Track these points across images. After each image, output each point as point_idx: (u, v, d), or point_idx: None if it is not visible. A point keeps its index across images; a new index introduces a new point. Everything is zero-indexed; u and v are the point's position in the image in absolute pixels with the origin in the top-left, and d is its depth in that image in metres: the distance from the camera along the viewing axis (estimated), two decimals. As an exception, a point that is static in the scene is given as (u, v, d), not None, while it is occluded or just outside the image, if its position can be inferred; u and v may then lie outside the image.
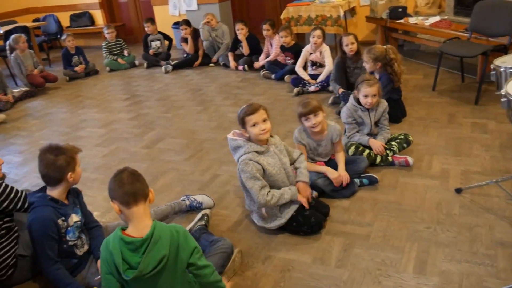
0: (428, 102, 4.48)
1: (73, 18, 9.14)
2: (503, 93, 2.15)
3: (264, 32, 5.92)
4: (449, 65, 5.41)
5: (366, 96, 3.27)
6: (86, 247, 2.45)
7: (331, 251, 2.52)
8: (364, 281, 2.27)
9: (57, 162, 2.25)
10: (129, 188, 1.86)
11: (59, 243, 2.28)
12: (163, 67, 6.84)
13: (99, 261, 2.29)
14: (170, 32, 7.78)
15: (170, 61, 7.10)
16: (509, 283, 2.04)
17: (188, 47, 6.90)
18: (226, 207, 3.07)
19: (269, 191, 2.57)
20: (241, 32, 6.20)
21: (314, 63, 5.26)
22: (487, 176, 3.01)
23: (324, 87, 5.07)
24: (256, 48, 6.36)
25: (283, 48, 5.79)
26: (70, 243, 2.34)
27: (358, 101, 3.37)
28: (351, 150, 3.32)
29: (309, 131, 3.04)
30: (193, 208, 3.00)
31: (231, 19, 7.73)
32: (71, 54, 6.95)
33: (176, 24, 7.76)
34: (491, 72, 2.57)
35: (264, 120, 2.55)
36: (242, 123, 2.58)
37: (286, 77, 5.56)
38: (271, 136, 2.70)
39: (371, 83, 3.26)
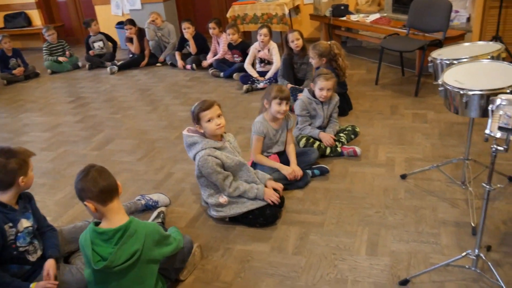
0: (372, 95, 4.69)
1: (8, 18, 8.71)
2: (440, 83, 2.31)
3: (211, 31, 5.95)
4: (390, 60, 5.67)
5: (321, 89, 3.40)
6: (39, 252, 2.35)
7: (288, 240, 2.60)
8: (321, 266, 2.37)
9: (8, 165, 2.17)
10: (104, 185, 1.88)
11: (8, 249, 2.19)
12: (108, 68, 6.70)
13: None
14: (113, 32, 7.63)
15: (115, 61, 6.96)
16: (452, 257, 2.20)
17: (134, 47, 6.80)
18: (182, 204, 3.08)
19: (234, 183, 2.69)
20: (188, 31, 6.19)
21: (262, 60, 5.36)
22: (428, 162, 3.20)
23: (272, 84, 5.17)
24: (203, 47, 6.38)
25: (230, 46, 5.85)
26: (20, 249, 2.23)
27: (313, 94, 3.48)
28: (302, 142, 3.43)
29: (271, 117, 3.11)
30: (149, 207, 3.00)
31: (176, 18, 7.68)
32: (8, 57, 6.67)
33: (120, 24, 7.62)
34: (429, 64, 2.75)
35: (219, 116, 2.60)
36: (197, 119, 2.61)
37: (234, 75, 5.62)
38: (224, 132, 2.76)
39: (328, 77, 3.39)
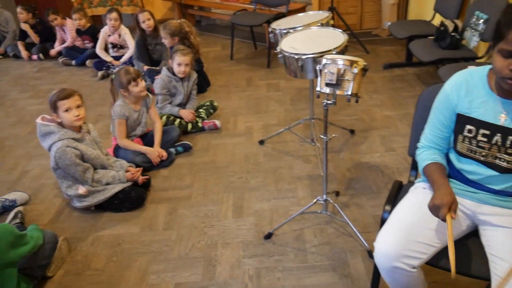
0: (228, 70, 4.86)
1: None
2: (278, 50, 2.51)
3: (52, 23, 5.56)
4: (243, 36, 5.90)
5: (180, 64, 3.44)
6: None
7: (157, 217, 2.64)
8: (192, 236, 2.47)
9: None
10: None
11: None
12: None
13: None
14: None
15: None
16: (305, 204, 2.46)
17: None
18: (43, 200, 2.93)
19: (96, 175, 2.63)
20: (21, 17, 5.69)
21: (115, 45, 5.19)
22: (283, 126, 3.45)
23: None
24: (49, 34, 5.92)
25: (79, 32, 5.54)
26: None
27: (172, 72, 3.51)
28: (163, 120, 3.45)
29: (132, 100, 3.07)
30: (7, 208, 2.79)
31: (13, 4, 7.00)
32: None
33: None
34: (270, 35, 2.96)
35: (78, 106, 2.51)
36: (54, 107, 2.48)
37: (87, 62, 5.37)
38: (84, 123, 2.68)
39: (185, 52, 3.44)
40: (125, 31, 5.11)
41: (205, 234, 2.47)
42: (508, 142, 1.44)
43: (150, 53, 4.68)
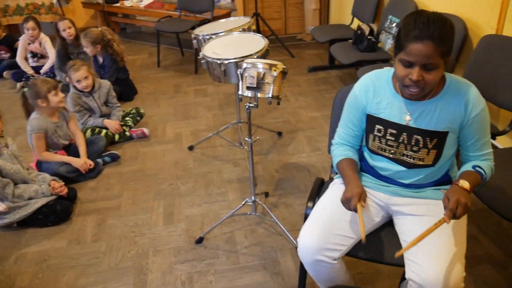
0: (156, 77, 4.81)
1: None
2: (201, 56, 2.54)
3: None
4: (169, 43, 5.86)
5: (79, 81, 3.34)
6: None
7: (85, 230, 2.57)
8: (122, 246, 2.42)
9: None
10: None
11: None
12: None
13: None
14: None
15: None
16: (236, 207, 2.50)
17: None
18: (-42, 221, 2.75)
19: (17, 190, 2.52)
20: None
21: (35, 55, 4.95)
22: (212, 131, 3.48)
23: (51, 78, 4.85)
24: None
25: (-6, 42, 5.25)
26: None
27: (77, 87, 3.41)
28: (88, 133, 3.35)
29: (49, 112, 2.96)
30: None
31: None
32: None
33: None
34: (193, 41, 2.98)
35: None
36: None
37: (5, 73, 5.07)
38: (2, 136, 2.55)
39: (77, 67, 3.32)
40: (45, 39, 4.90)
41: (135, 243, 2.44)
42: (413, 140, 1.56)
43: (72, 62, 4.52)
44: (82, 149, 3.10)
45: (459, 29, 2.85)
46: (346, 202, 1.51)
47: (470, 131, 1.51)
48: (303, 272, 1.88)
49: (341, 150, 1.72)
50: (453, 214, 1.35)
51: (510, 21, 2.55)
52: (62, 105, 2.98)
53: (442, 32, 1.31)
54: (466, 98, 1.47)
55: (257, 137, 2.43)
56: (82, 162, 3.00)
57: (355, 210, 1.48)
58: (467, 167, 1.54)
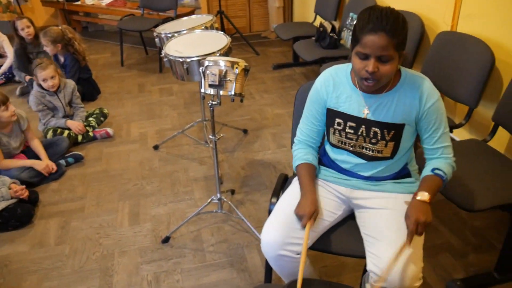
0: (119, 77, 4.74)
1: None
2: (163, 54, 2.52)
3: None
4: (133, 41, 5.79)
5: (45, 80, 3.26)
6: None
7: (48, 233, 2.52)
8: (86, 248, 2.39)
9: None
10: None
11: None
12: None
13: None
14: None
15: None
16: (202, 205, 2.50)
17: None
18: None
19: None
20: None
21: (-8, 55, 4.82)
22: (177, 130, 3.46)
23: (10, 79, 4.72)
24: None
25: None
26: None
27: (42, 86, 3.33)
28: (50, 134, 3.29)
29: (1, 124, 2.85)
30: None
31: None
32: None
33: None
34: (156, 39, 2.96)
35: None
36: None
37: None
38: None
39: (44, 66, 3.25)
40: (3, 38, 4.76)
41: (100, 245, 2.40)
42: (371, 133, 1.60)
43: (32, 62, 4.40)
44: (41, 151, 3.02)
45: (416, 26, 2.93)
46: (299, 217, 1.56)
47: (426, 123, 1.56)
48: (268, 267, 1.90)
49: (302, 153, 1.74)
50: (413, 235, 1.43)
51: (463, 18, 2.65)
52: (13, 119, 2.86)
53: (395, 25, 1.36)
54: (420, 90, 1.52)
55: (221, 135, 2.43)
56: (44, 165, 2.93)
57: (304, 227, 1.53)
58: (427, 171, 1.59)
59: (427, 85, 1.53)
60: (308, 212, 1.53)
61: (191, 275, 2.18)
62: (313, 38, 4.04)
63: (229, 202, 2.51)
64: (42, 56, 4.34)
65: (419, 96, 1.52)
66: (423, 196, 1.48)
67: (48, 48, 3.88)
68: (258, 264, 2.22)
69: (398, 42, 1.38)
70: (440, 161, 1.59)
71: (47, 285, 2.17)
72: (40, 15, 6.57)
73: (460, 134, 2.85)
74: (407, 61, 2.84)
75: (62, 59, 3.96)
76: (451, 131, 2.91)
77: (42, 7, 6.48)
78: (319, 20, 4.31)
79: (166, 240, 2.39)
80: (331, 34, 3.75)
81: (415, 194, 1.51)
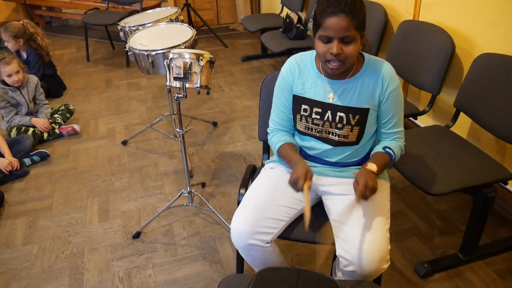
0: (85, 72, 4.65)
1: None
2: (127, 48, 2.49)
3: None
4: (98, 36, 5.68)
5: (10, 75, 3.18)
6: None
7: (14, 233, 2.46)
8: (55, 247, 2.35)
9: None
10: None
11: None
12: None
13: None
14: None
15: None
16: (172, 199, 2.49)
17: None
18: None
19: None
20: None
21: (-51, 52, 4.64)
22: (145, 125, 3.42)
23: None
24: None
25: None
26: None
27: (4, 82, 3.24)
28: (13, 133, 3.20)
29: None
30: None
31: None
32: None
33: None
34: (120, 33, 2.91)
35: None
36: None
37: None
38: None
39: (8, 61, 3.17)
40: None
41: (69, 243, 2.37)
42: (337, 118, 1.63)
43: (-7, 59, 4.27)
44: (5, 149, 2.95)
45: (380, 15, 2.98)
46: (294, 184, 1.51)
47: (385, 108, 1.60)
48: (240, 258, 1.91)
49: (278, 137, 1.74)
50: (362, 196, 1.44)
51: (425, 7, 2.70)
52: None
53: (354, 6, 1.40)
54: (382, 74, 1.56)
55: (189, 128, 2.43)
56: (7, 162, 2.86)
57: (302, 190, 1.50)
58: (378, 148, 1.65)
59: (389, 69, 1.58)
60: (301, 173, 1.50)
61: (163, 269, 2.17)
62: (281, 29, 4.05)
63: (200, 196, 2.51)
64: (4, 51, 4.23)
65: (382, 80, 1.56)
66: (372, 167, 1.52)
67: (10, 44, 3.77)
68: (230, 256, 2.23)
69: (358, 22, 1.42)
70: (392, 142, 1.66)
71: (15, 286, 2.12)
72: (1, 11, 6.37)
73: (424, 121, 2.92)
74: (371, 50, 2.88)
75: (24, 55, 3.86)
76: (415, 118, 2.98)
77: (2, 2, 6.28)
78: (286, 11, 4.32)
79: (137, 235, 2.38)
80: (297, 25, 3.77)
81: (365, 164, 1.55)
